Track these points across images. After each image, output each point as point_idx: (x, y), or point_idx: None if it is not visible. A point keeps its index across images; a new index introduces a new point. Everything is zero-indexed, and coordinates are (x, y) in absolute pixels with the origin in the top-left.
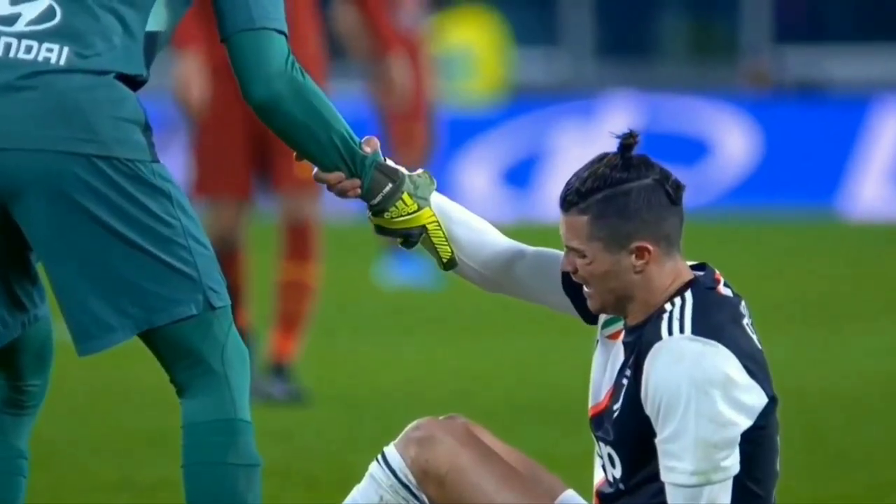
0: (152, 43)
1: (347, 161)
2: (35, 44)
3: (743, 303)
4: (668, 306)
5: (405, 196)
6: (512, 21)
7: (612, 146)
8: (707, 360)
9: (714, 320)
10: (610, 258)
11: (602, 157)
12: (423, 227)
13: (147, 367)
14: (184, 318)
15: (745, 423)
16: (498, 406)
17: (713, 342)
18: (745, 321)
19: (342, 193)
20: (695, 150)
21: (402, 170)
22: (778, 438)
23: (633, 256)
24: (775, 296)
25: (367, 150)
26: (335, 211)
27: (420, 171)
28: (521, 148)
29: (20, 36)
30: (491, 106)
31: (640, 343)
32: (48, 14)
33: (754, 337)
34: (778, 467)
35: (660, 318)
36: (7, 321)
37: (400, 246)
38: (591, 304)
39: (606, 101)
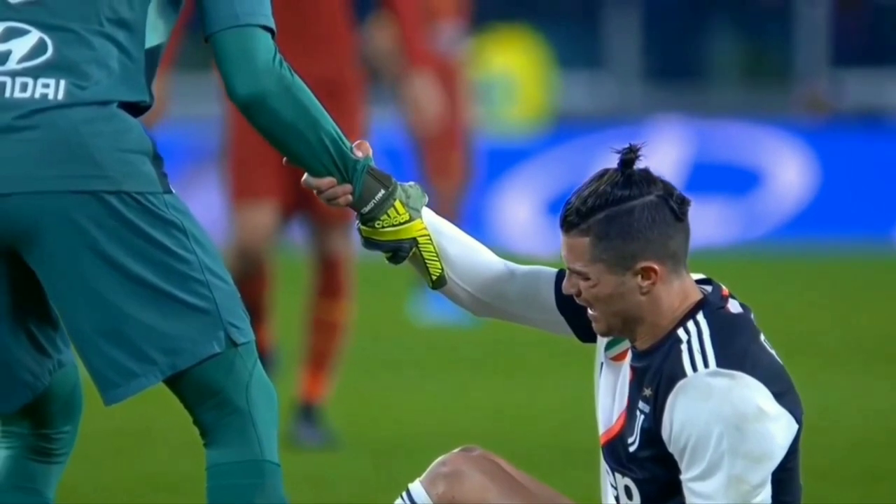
0: (153, 59)
1: (338, 164)
2: (30, 80)
3: (752, 315)
4: (682, 334)
5: (397, 204)
6: (555, 44)
7: (661, 174)
8: (735, 394)
9: (736, 347)
10: (614, 280)
11: (602, 174)
12: (414, 240)
13: (168, 408)
14: (207, 358)
15: (780, 454)
16: (537, 448)
17: (740, 374)
18: (762, 337)
19: (332, 200)
20: (747, 180)
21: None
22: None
23: (639, 277)
24: (831, 334)
25: (359, 154)
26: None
27: (412, 182)
28: (564, 178)
29: (13, 74)
30: (532, 133)
31: (659, 376)
32: (39, 48)
33: (773, 353)
34: (801, 480)
35: (677, 350)
36: (34, 370)
37: (388, 262)
38: (597, 327)
39: (654, 128)
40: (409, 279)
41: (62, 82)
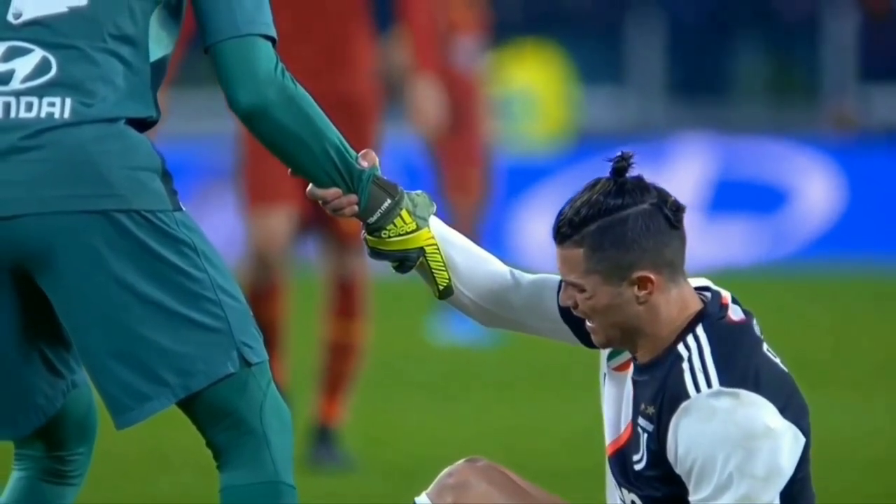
0: (158, 72)
1: (343, 174)
2: (35, 100)
3: (755, 321)
4: (682, 350)
5: (403, 213)
6: (576, 58)
7: (684, 192)
8: (740, 413)
9: (738, 361)
10: (610, 291)
11: (595, 184)
12: (421, 250)
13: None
14: (220, 379)
15: (788, 471)
16: (557, 470)
17: (743, 392)
18: (765, 347)
19: (338, 211)
20: (773, 198)
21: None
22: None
23: (636, 287)
24: (861, 356)
25: (364, 164)
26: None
27: (419, 191)
28: None
29: (18, 94)
30: (553, 150)
31: (661, 395)
32: (43, 66)
33: (777, 360)
34: (814, 489)
35: (679, 368)
36: (48, 392)
37: (394, 271)
38: (596, 339)
39: (678, 144)
40: (427, 299)
41: (68, 100)
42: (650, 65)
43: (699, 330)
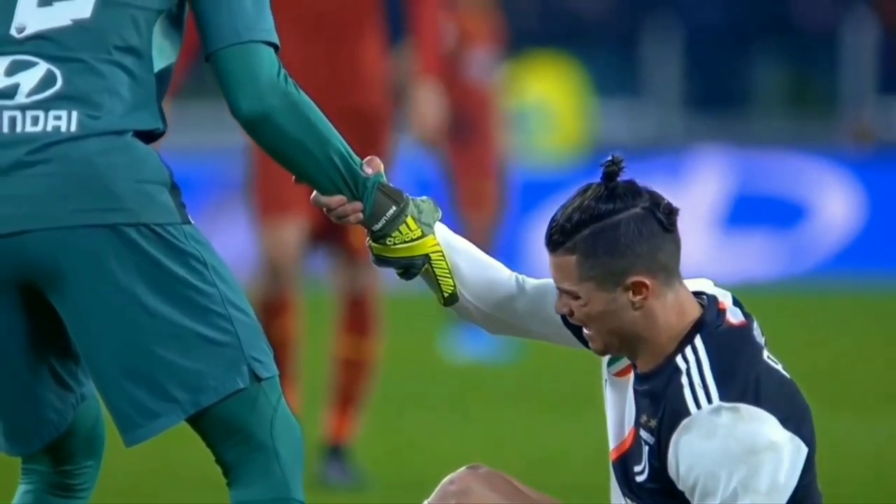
0: (163, 82)
1: (348, 181)
2: (41, 113)
3: (755, 325)
4: (681, 363)
5: (409, 220)
6: (592, 71)
7: (702, 206)
8: (741, 429)
9: (738, 373)
10: (605, 297)
11: (586, 189)
12: (426, 257)
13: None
14: (230, 394)
15: (792, 483)
16: (577, 487)
17: (744, 406)
18: (765, 354)
19: (342, 218)
20: (791, 212)
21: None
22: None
23: (630, 293)
24: (880, 373)
25: (369, 170)
26: (398, 280)
27: (424, 197)
28: None
29: (23, 108)
30: (569, 163)
31: (661, 409)
32: (48, 79)
33: (779, 367)
34: (820, 489)
35: (678, 381)
36: (58, 407)
37: (398, 277)
38: (594, 347)
39: (695, 157)
40: (439, 314)
41: (74, 113)
42: (667, 77)
43: (697, 341)
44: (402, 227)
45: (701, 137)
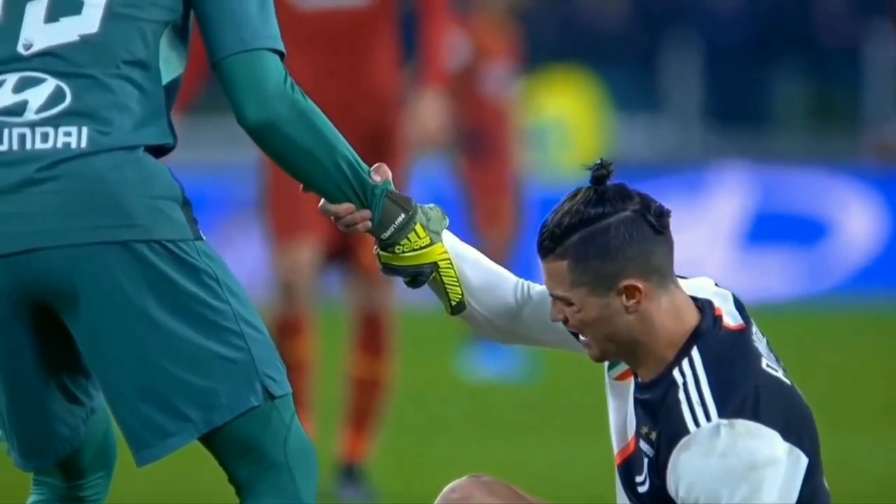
0: (171, 95)
1: (356, 189)
2: (51, 130)
3: (754, 329)
4: (678, 376)
5: (418, 227)
6: (610, 86)
7: (721, 223)
8: (740, 446)
9: (736, 386)
10: (598, 302)
11: (575, 194)
12: (435, 265)
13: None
14: (244, 412)
15: (794, 494)
16: None
17: (742, 422)
18: (763, 362)
19: (351, 226)
20: (813, 229)
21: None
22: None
23: (624, 297)
24: None
25: (377, 178)
26: (414, 298)
27: (431, 204)
28: None
29: (33, 124)
30: (587, 180)
31: (659, 424)
32: (57, 96)
33: (779, 373)
34: (827, 488)
35: (675, 397)
36: (70, 422)
37: (405, 286)
38: (591, 354)
39: (715, 174)
40: (457, 332)
41: (84, 129)
42: (686, 92)
43: (694, 352)
44: (411, 235)
45: (721, 153)
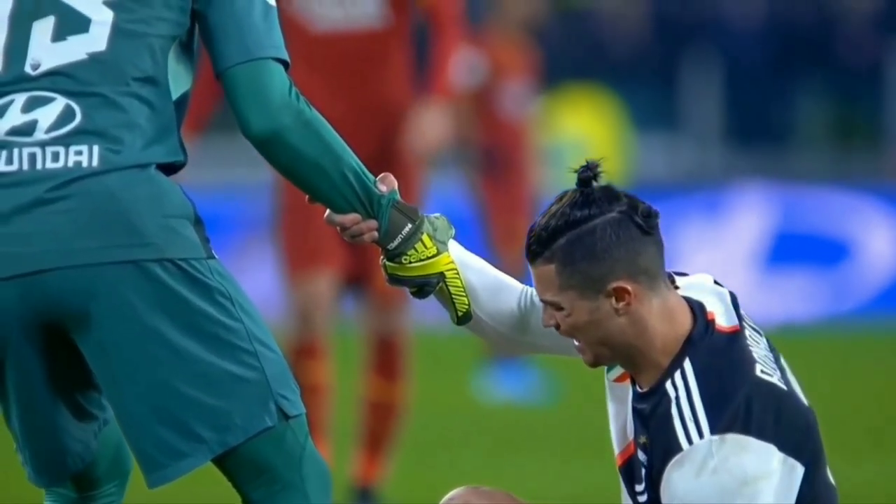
0: (181, 109)
1: (363, 199)
2: (61, 149)
3: (749, 331)
4: (670, 389)
5: (424, 237)
6: (629, 104)
7: (742, 244)
8: (732, 461)
9: (727, 398)
10: (588, 306)
11: (561, 197)
12: (441, 275)
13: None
14: (258, 433)
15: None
16: None
17: (733, 436)
18: (757, 368)
19: (357, 237)
20: (835, 250)
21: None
22: (827, 469)
23: (613, 299)
24: None
25: (383, 188)
26: (431, 318)
27: (437, 214)
28: None
29: (43, 144)
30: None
31: (654, 437)
32: (67, 115)
33: (773, 378)
34: (832, 480)
35: (668, 411)
36: (82, 437)
37: (412, 296)
38: (585, 360)
39: (735, 194)
40: (474, 353)
41: (95, 148)
42: (707, 111)
43: (686, 364)
44: (418, 245)
45: (741, 173)
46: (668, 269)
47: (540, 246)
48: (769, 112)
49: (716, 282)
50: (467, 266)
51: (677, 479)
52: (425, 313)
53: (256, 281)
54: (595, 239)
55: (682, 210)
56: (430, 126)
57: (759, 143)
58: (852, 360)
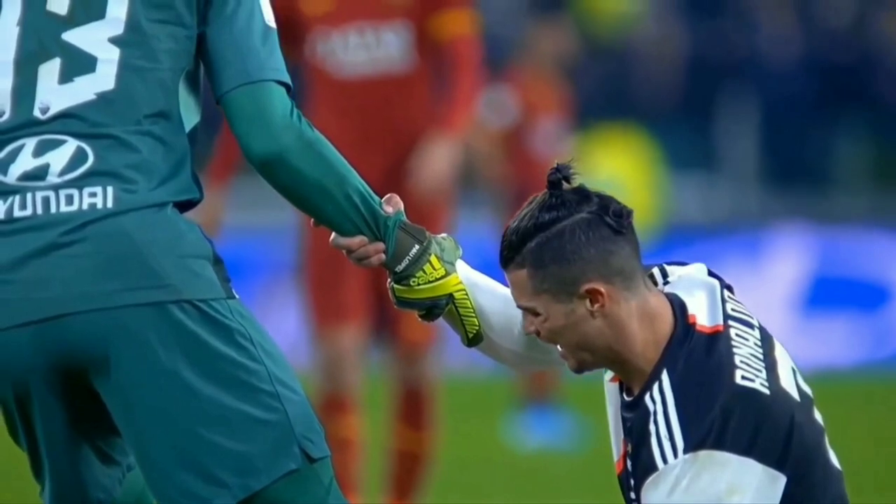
0: (193, 142)
1: (368, 221)
2: (75, 191)
3: (733, 331)
4: (649, 403)
5: (433, 259)
6: (664, 144)
7: (780, 287)
8: (703, 478)
9: (702, 411)
10: (563, 309)
11: (531, 201)
12: (450, 296)
13: None
14: (282, 476)
15: None
16: None
17: (705, 452)
18: (738, 374)
19: (364, 260)
20: (875, 294)
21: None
22: (830, 459)
23: (587, 302)
24: None
25: (389, 209)
26: (461, 363)
27: (444, 234)
28: None
29: (56, 187)
30: (641, 242)
31: (635, 451)
32: (80, 157)
33: (755, 383)
34: (836, 465)
35: (647, 428)
36: (106, 484)
37: (420, 319)
38: (568, 365)
39: (773, 236)
40: (504, 399)
41: (110, 189)
42: (743, 151)
43: (664, 377)
44: (426, 267)
45: (779, 215)
46: (663, 261)
47: (511, 251)
48: (807, 152)
49: (710, 272)
50: (476, 286)
51: (653, 499)
52: (455, 358)
53: (281, 324)
54: (564, 241)
55: (719, 253)
56: (436, 161)
57: (798, 184)
58: (893, 406)
